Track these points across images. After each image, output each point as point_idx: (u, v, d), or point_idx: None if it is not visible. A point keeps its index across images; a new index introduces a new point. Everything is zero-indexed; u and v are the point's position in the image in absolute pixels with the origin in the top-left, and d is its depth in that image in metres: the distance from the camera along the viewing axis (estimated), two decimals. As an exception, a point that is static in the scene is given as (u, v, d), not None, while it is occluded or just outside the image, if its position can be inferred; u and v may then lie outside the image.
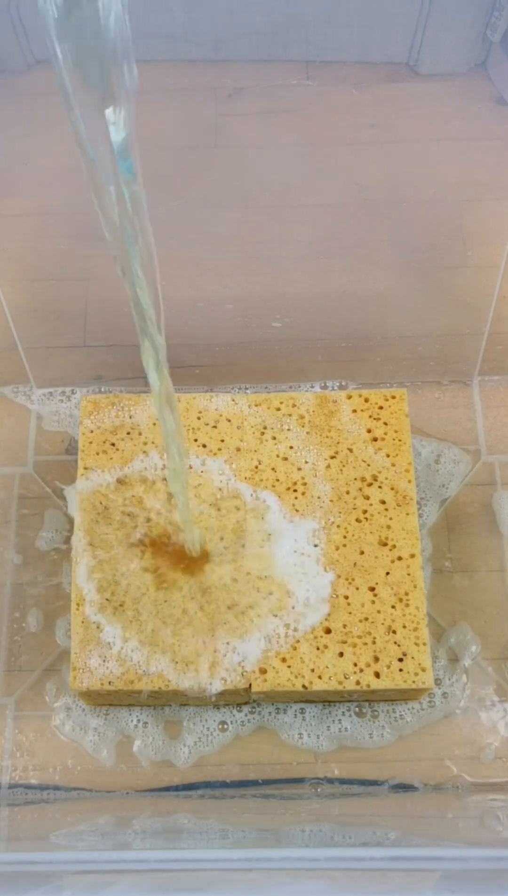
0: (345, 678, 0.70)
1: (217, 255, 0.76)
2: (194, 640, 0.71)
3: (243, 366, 0.86)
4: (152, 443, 0.78)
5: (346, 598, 0.72)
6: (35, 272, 0.82)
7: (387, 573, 0.73)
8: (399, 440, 0.77)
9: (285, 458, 0.77)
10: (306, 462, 0.77)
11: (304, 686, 0.69)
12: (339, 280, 0.81)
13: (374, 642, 0.71)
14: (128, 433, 0.78)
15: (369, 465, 0.76)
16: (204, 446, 0.77)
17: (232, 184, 0.71)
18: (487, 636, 0.79)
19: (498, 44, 0.72)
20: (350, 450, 0.77)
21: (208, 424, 0.78)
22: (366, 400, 0.79)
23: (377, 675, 0.70)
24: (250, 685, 0.70)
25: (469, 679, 0.78)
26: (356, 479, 0.76)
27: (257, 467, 0.76)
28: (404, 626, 0.71)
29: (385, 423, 0.78)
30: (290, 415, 0.78)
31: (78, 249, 0.81)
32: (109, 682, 0.70)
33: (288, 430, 0.78)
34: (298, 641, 0.71)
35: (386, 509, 0.75)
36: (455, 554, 0.82)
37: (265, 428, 0.78)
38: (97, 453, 0.77)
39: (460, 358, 0.87)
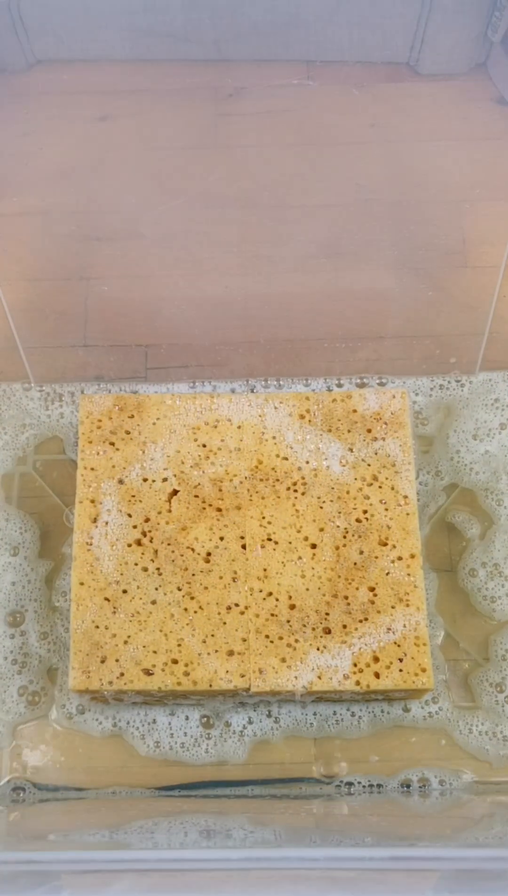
0: (345, 678, 0.70)
1: (217, 254, 0.76)
2: (194, 640, 0.71)
3: (243, 366, 0.86)
4: (152, 442, 0.78)
5: (346, 598, 0.72)
6: (35, 272, 0.82)
7: (387, 573, 0.73)
8: (400, 440, 0.77)
9: (286, 458, 0.77)
10: (307, 462, 0.77)
11: (304, 687, 0.69)
12: (339, 280, 0.81)
13: (374, 643, 0.71)
14: (128, 433, 0.78)
15: (369, 465, 0.76)
16: (204, 446, 0.77)
17: (232, 183, 0.71)
18: (488, 635, 0.79)
19: (499, 44, 0.72)
20: (351, 450, 0.77)
21: (207, 424, 0.78)
22: (366, 399, 0.79)
23: (377, 675, 0.70)
24: (250, 685, 0.70)
25: (469, 679, 0.78)
26: (356, 478, 0.76)
27: (257, 467, 0.76)
28: (404, 627, 0.71)
29: (386, 423, 0.78)
30: (290, 415, 0.78)
31: (78, 249, 0.81)
32: (109, 682, 0.70)
33: (288, 430, 0.78)
34: (297, 641, 0.71)
35: (386, 509, 0.75)
36: (456, 555, 0.82)
37: (265, 428, 0.78)
38: (97, 453, 0.77)
39: (460, 358, 0.87)
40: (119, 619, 0.72)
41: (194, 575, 0.73)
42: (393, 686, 0.70)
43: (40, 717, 0.77)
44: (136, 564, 0.73)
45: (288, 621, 0.71)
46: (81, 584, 0.73)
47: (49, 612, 0.80)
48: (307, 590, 0.72)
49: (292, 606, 0.72)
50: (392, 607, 0.72)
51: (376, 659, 0.70)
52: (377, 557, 0.73)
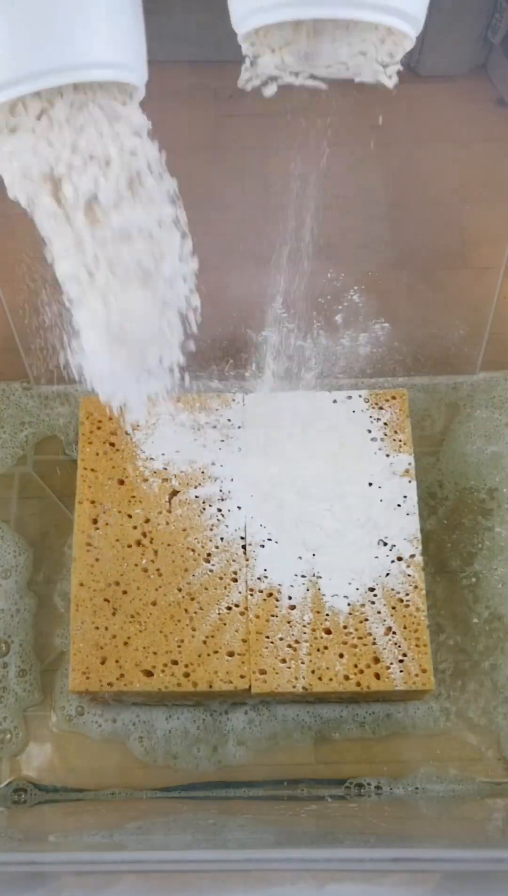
0: (345, 679, 0.70)
1: (217, 255, 0.76)
2: (194, 641, 0.71)
3: (244, 366, 0.86)
4: (153, 443, 0.77)
5: (346, 598, 0.72)
6: (35, 272, 0.82)
7: (387, 574, 0.73)
8: (400, 440, 0.77)
9: (286, 459, 0.77)
10: (307, 462, 0.76)
11: (304, 688, 0.69)
12: (339, 280, 0.81)
13: (374, 643, 0.71)
14: (128, 433, 0.78)
15: (369, 466, 0.76)
16: (204, 446, 0.77)
17: (233, 184, 0.71)
18: (487, 637, 0.79)
19: (498, 46, 0.72)
20: (351, 450, 0.77)
21: (208, 424, 0.78)
22: (366, 400, 0.79)
23: (378, 676, 0.70)
24: (251, 686, 0.70)
25: (469, 680, 0.77)
26: (356, 479, 0.76)
27: (257, 468, 0.76)
28: (404, 628, 0.71)
29: (386, 424, 0.78)
30: (291, 415, 0.78)
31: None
32: (109, 684, 0.70)
33: (289, 430, 0.78)
34: (297, 642, 0.71)
35: (387, 510, 0.75)
36: (457, 556, 0.82)
37: (266, 428, 0.78)
38: (97, 454, 0.77)
39: (460, 358, 0.87)
40: (119, 620, 0.72)
41: (194, 576, 0.73)
42: (394, 687, 0.69)
43: (41, 718, 0.77)
44: (136, 565, 0.73)
45: (288, 622, 0.71)
46: (81, 584, 0.73)
47: (32, 649, 0.79)
48: (308, 590, 0.72)
49: (293, 607, 0.72)
50: (393, 608, 0.72)
51: (376, 660, 0.70)
52: (377, 558, 0.73)
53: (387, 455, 0.77)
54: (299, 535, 0.74)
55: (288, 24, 0.47)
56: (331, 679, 0.70)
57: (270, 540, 0.74)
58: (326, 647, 0.71)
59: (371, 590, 0.72)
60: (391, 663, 0.70)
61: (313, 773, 0.75)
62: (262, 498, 0.75)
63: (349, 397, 0.79)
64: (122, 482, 0.76)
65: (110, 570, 0.73)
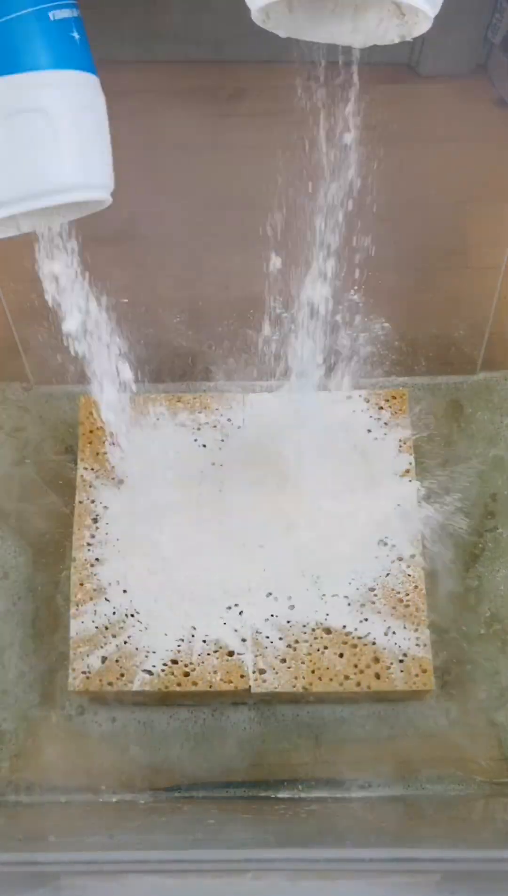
0: (345, 679, 0.70)
1: (217, 255, 0.76)
2: (195, 640, 0.71)
3: (243, 366, 0.86)
4: (152, 443, 0.77)
5: (346, 598, 0.72)
6: (35, 272, 0.82)
7: (387, 574, 0.73)
8: (400, 440, 0.77)
9: (286, 459, 0.77)
10: (307, 462, 0.76)
11: (304, 688, 0.69)
12: (338, 281, 0.81)
13: (374, 643, 0.71)
14: (128, 433, 0.78)
15: (369, 466, 0.76)
16: (204, 446, 0.77)
17: (232, 184, 0.71)
18: (488, 638, 0.79)
19: (499, 45, 0.72)
20: (351, 450, 0.77)
21: (208, 424, 0.78)
22: (366, 400, 0.79)
23: (378, 676, 0.70)
24: (251, 686, 0.70)
25: (469, 680, 0.77)
26: (356, 479, 0.76)
27: (257, 468, 0.76)
28: (404, 628, 0.71)
29: (386, 424, 0.78)
30: (291, 415, 0.78)
31: (78, 250, 0.81)
32: (109, 683, 0.70)
33: (289, 430, 0.78)
34: (297, 642, 0.71)
35: (387, 510, 0.75)
36: (457, 555, 0.82)
37: (266, 428, 0.78)
38: (97, 454, 0.77)
39: (460, 358, 0.87)
40: (119, 619, 0.72)
41: (194, 575, 0.73)
42: (394, 687, 0.69)
43: (41, 717, 0.77)
44: (135, 564, 0.73)
45: (288, 621, 0.71)
46: (81, 584, 0.73)
47: (32, 649, 0.79)
48: (307, 590, 0.72)
49: (292, 607, 0.72)
50: (393, 608, 0.72)
51: (376, 660, 0.70)
52: (377, 557, 0.73)
53: (388, 455, 0.77)
54: (298, 535, 0.74)
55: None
56: (331, 679, 0.70)
57: (270, 540, 0.74)
58: (326, 647, 0.71)
59: (371, 590, 0.72)
60: (391, 663, 0.70)
61: (314, 773, 0.75)
62: (262, 497, 0.75)
63: (349, 397, 0.79)
64: (122, 482, 0.76)
65: (110, 570, 0.73)
